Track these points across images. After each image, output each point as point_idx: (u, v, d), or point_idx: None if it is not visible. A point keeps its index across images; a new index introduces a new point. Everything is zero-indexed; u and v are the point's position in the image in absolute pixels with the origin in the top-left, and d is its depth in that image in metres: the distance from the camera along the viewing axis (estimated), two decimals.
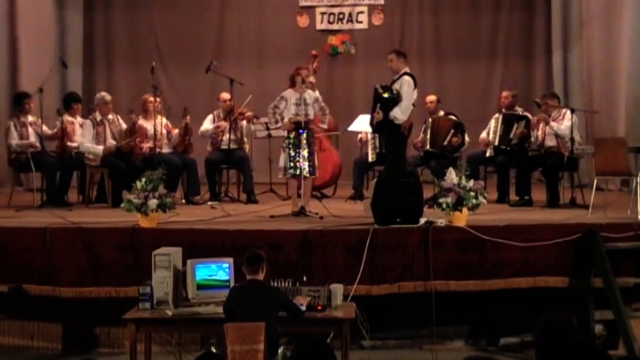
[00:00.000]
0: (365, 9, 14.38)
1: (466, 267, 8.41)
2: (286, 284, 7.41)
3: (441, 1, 14.39)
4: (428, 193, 8.88)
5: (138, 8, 14.55)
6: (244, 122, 11.39)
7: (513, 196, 10.63)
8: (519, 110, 11.27)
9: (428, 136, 11.32)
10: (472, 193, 8.45)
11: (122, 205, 8.66)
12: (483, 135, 11.37)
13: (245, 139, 11.49)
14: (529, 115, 11.03)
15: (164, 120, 11.24)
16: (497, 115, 11.32)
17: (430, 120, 11.46)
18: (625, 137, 10.97)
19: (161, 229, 8.57)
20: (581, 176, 10.94)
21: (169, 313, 7.20)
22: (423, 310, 8.21)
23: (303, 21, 14.46)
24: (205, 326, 7.35)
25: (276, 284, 7.30)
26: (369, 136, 11.12)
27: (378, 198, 8.69)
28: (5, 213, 9.89)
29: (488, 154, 11.25)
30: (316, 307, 7.16)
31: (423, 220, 8.51)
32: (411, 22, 14.48)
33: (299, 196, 9.69)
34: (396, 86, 9.18)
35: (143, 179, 8.51)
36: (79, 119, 11.26)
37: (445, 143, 11.20)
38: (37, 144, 10.84)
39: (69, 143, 10.96)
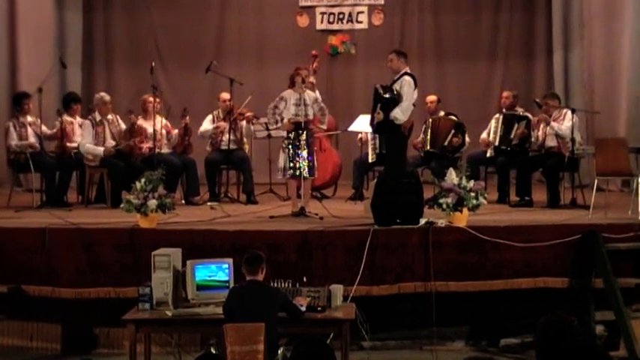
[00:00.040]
0: (365, 9, 14.35)
1: (466, 267, 8.40)
2: (286, 285, 7.39)
3: (441, 1, 14.37)
4: (428, 193, 8.88)
5: (137, 8, 14.53)
6: (244, 122, 11.37)
7: (514, 197, 10.62)
8: (520, 110, 11.26)
9: (428, 137, 11.30)
10: (472, 194, 8.44)
11: (121, 205, 8.65)
12: (484, 135, 11.35)
13: (245, 140, 11.47)
14: (529, 116, 11.01)
15: (163, 120, 11.22)
16: (497, 116, 11.31)
17: (430, 120, 11.44)
18: (626, 137, 10.97)
19: (161, 229, 8.57)
20: (581, 177, 10.92)
21: (169, 313, 7.19)
22: (423, 311, 8.21)
23: (303, 21, 14.44)
24: (205, 327, 7.34)
25: (275, 285, 7.29)
26: (369, 136, 11.10)
27: (378, 198, 8.68)
28: (4, 213, 9.87)
29: (488, 155, 11.24)
30: (316, 307, 7.14)
31: (423, 221, 8.51)
32: (411, 22, 14.46)
33: (299, 196, 9.68)
34: (396, 86, 9.17)
35: (142, 180, 8.50)
36: (78, 119, 11.25)
37: (445, 144, 11.18)
38: (37, 144, 10.83)
39: (68, 144, 10.95)
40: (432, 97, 11.83)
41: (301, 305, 7.03)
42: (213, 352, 7.26)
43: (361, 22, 14.36)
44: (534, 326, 4.74)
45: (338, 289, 7.44)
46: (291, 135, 9.63)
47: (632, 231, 8.52)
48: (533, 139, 10.77)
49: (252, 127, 11.46)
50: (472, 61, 14.27)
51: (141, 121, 11.02)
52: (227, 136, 11.15)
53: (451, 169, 8.63)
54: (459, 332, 8.66)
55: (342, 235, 8.45)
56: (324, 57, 13.55)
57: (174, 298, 7.33)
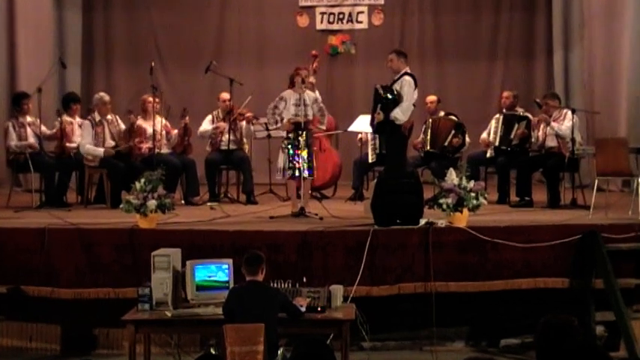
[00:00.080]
0: (365, 9, 14.34)
1: (466, 268, 8.39)
2: (286, 285, 7.38)
3: (441, 1, 14.35)
4: (428, 193, 8.87)
5: (137, 8, 14.51)
6: (244, 123, 11.35)
7: (514, 197, 10.61)
8: (520, 111, 11.25)
9: (428, 137, 11.28)
10: (472, 194, 8.43)
11: (121, 205, 8.64)
12: (484, 135, 11.34)
13: (244, 140, 11.46)
14: (530, 116, 11.00)
15: (163, 120, 11.21)
16: (497, 116, 11.30)
17: (430, 120, 11.43)
18: (626, 138, 10.96)
19: (160, 229, 8.55)
20: (582, 177, 10.91)
21: (168, 314, 7.18)
22: (423, 311, 8.19)
23: (303, 21, 14.43)
24: (205, 327, 7.33)
25: (275, 285, 7.28)
26: (369, 136, 11.09)
27: (378, 199, 8.67)
28: (4, 214, 9.86)
29: (488, 155, 11.23)
30: (316, 308, 7.13)
31: (423, 221, 8.50)
32: (411, 22, 14.44)
33: (298, 196, 9.67)
34: (396, 86, 9.17)
35: (142, 180, 8.49)
36: (77, 120, 11.23)
37: (446, 144, 11.17)
38: (36, 145, 10.82)
39: (68, 144, 10.94)
40: (432, 98, 11.82)
41: (301, 306, 7.02)
42: (213, 352, 7.25)
43: (361, 22, 14.35)
44: (534, 327, 4.74)
45: (338, 290, 7.43)
46: (291, 135, 9.62)
47: (633, 231, 8.51)
48: (533, 140, 10.76)
49: (252, 128, 11.44)
50: (472, 61, 14.26)
51: (140, 122, 11.01)
52: (227, 136, 11.14)
53: (451, 170, 8.62)
54: (459, 333, 8.65)
55: (342, 236, 8.44)
56: (324, 57, 13.54)
57: (173, 298, 7.32)
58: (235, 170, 11.54)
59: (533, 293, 8.41)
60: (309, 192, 10.29)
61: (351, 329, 7.18)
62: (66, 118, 11.05)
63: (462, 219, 8.47)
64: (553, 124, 10.42)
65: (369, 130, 10.13)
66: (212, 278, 7.43)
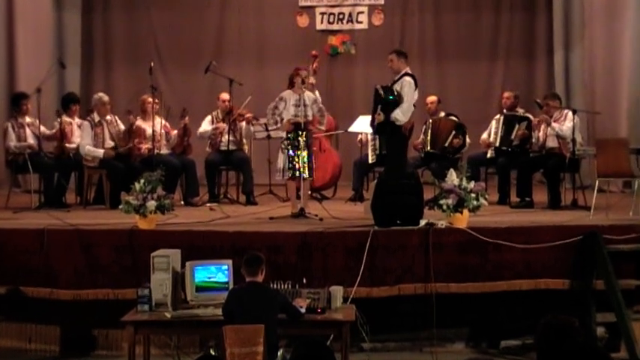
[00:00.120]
0: (365, 9, 14.34)
1: (467, 269, 8.37)
2: (286, 286, 7.37)
3: (441, 1, 14.35)
4: (428, 194, 8.85)
5: (136, 8, 14.50)
6: (243, 123, 11.33)
7: (514, 198, 10.59)
8: (521, 111, 11.24)
9: (428, 137, 11.26)
10: (473, 195, 8.42)
11: (120, 206, 8.61)
12: (484, 136, 11.33)
13: (244, 141, 11.44)
14: (530, 117, 10.99)
15: (162, 121, 11.19)
16: (498, 116, 11.28)
17: (431, 121, 11.41)
18: (627, 138, 10.93)
19: (160, 230, 8.53)
20: (582, 177, 10.89)
21: (168, 315, 7.17)
22: (424, 313, 8.18)
23: (303, 21, 14.42)
24: (204, 329, 7.32)
25: (275, 286, 7.27)
26: (369, 137, 11.07)
27: (378, 199, 8.65)
28: (3, 214, 9.84)
29: (489, 156, 11.21)
30: (316, 309, 7.12)
31: (423, 222, 8.48)
32: (411, 22, 14.44)
33: (298, 197, 9.64)
34: (396, 87, 9.16)
35: (142, 180, 8.47)
36: (77, 120, 11.20)
37: (446, 144, 11.14)
38: (35, 145, 10.79)
39: (67, 144, 10.91)
40: (432, 98, 11.80)
41: (301, 307, 7.01)
42: (213, 353, 7.25)
43: (361, 22, 14.34)
44: (535, 328, 4.74)
45: (338, 291, 7.42)
46: (291, 136, 9.60)
47: (634, 232, 8.49)
48: (534, 140, 10.75)
49: (251, 128, 11.42)
50: (473, 62, 14.25)
51: (140, 122, 10.99)
52: (226, 136, 11.12)
53: (451, 170, 8.60)
54: (459, 334, 8.63)
55: (341, 237, 8.42)
56: (324, 57, 13.53)
57: (173, 299, 7.31)
58: (235, 171, 11.52)
59: (533, 294, 8.40)
60: (309, 192, 10.26)
61: (351, 330, 7.17)
62: (65, 118, 11.02)
63: (463, 220, 8.45)
64: (554, 124, 10.41)
65: (369, 130, 10.12)
66: (212, 279, 7.43)
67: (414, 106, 9.25)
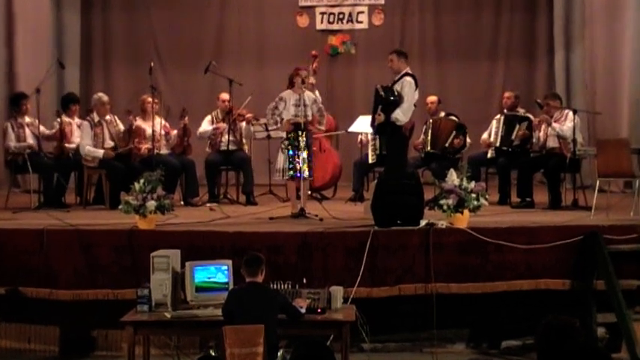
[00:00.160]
0: (365, 9, 14.32)
1: (467, 269, 8.36)
2: (286, 286, 7.36)
3: (441, 1, 14.34)
4: (429, 194, 8.84)
5: (136, 8, 14.49)
6: (243, 124, 11.32)
7: (515, 198, 10.58)
8: (521, 111, 11.23)
9: (429, 138, 11.24)
10: (473, 195, 8.40)
11: (120, 206, 8.60)
12: (484, 136, 11.31)
13: (244, 141, 11.42)
14: (531, 117, 10.97)
15: (162, 121, 11.17)
16: (498, 116, 11.27)
17: (431, 121, 11.39)
18: (628, 138, 10.92)
19: (159, 230, 8.52)
20: (583, 178, 10.88)
21: (168, 315, 7.15)
22: (424, 313, 8.16)
23: (303, 21, 14.41)
24: (204, 329, 7.31)
25: (275, 287, 7.25)
26: (370, 137, 11.05)
27: (379, 200, 8.64)
28: (2, 215, 9.82)
29: (489, 156, 11.19)
30: (316, 309, 7.11)
31: (423, 222, 8.47)
32: (411, 22, 14.42)
33: (298, 197, 9.63)
34: (397, 87, 9.16)
35: (141, 181, 8.46)
36: (76, 120, 11.19)
37: (447, 145, 11.13)
38: (35, 145, 10.78)
39: (67, 144, 10.90)
40: (432, 98, 11.79)
41: (301, 307, 7.00)
42: (213, 354, 7.26)
43: (361, 22, 14.33)
44: (535, 328, 4.72)
45: (338, 291, 7.40)
46: (291, 136, 9.58)
47: (635, 232, 8.48)
48: (534, 140, 10.74)
49: (251, 128, 11.40)
50: (473, 62, 14.24)
51: (139, 122, 10.98)
52: (226, 136, 11.11)
53: (452, 170, 8.59)
54: (460, 334, 8.62)
55: (342, 237, 8.41)
56: (324, 57, 13.53)
57: (173, 299, 7.29)
58: (235, 171, 11.51)
59: (534, 295, 8.38)
60: (308, 192, 10.25)
61: (351, 331, 7.15)
62: (65, 118, 11.01)
63: (463, 220, 8.44)
64: (554, 124, 10.39)
65: (370, 130, 10.11)
66: (211, 279, 7.41)
67: (415, 106, 9.24)
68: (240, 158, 11.22)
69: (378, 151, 10.65)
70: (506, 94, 11.48)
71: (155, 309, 7.23)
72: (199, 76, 12.22)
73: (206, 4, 14.49)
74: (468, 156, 11.24)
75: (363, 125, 11.38)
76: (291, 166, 9.55)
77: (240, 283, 7.04)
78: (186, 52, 14.27)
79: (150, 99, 10.93)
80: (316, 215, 9.37)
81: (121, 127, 10.93)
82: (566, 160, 10.11)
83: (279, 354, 6.76)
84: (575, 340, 4.54)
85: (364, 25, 14.34)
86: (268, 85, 12.88)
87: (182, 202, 10.84)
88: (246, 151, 11.46)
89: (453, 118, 11.47)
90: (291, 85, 9.86)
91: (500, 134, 11.01)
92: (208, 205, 10.72)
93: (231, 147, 11.17)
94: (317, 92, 10.57)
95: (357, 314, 7.42)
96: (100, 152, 10.57)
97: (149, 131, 10.76)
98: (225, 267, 7.43)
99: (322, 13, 14.37)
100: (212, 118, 11.41)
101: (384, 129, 9.17)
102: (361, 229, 8.46)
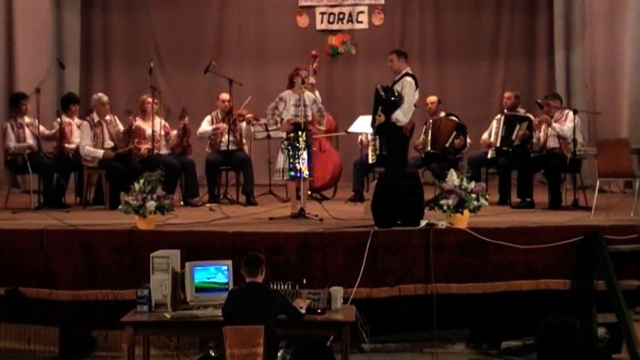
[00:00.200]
0: (365, 9, 14.31)
1: (467, 269, 8.35)
2: (286, 287, 7.34)
3: (442, 1, 14.32)
4: (429, 194, 8.84)
5: (136, 8, 14.48)
6: (244, 124, 11.31)
7: (515, 198, 10.57)
8: (521, 111, 11.22)
9: (429, 138, 11.24)
10: (473, 195, 8.40)
11: (120, 207, 8.59)
12: (485, 136, 11.30)
13: (244, 141, 11.42)
14: (531, 117, 10.97)
15: (162, 121, 11.16)
16: (499, 116, 11.26)
17: (431, 121, 11.39)
18: (628, 138, 10.93)
19: (159, 231, 8.51)
20: (583, 178, 10.87)
21: (167, 316, 7.14)
22: (424, 313, 8.16)
23: (303, 21, 14.40)
24: (204, 329, 7.30)
25: (275, 287, 7.24)
26: (370, 137, 11.04)
27: (379, 200, 8.63)
28: (2, 215, 9.81)
29: (489, 156, 11.18)
30: (316, 309, 7.10)
31: (423, 222, 8.46)
32: (411, 21, 14.41)
33: (298, 198, 9.62)
34: (397, 87, 9.15)
35: (141, 181, 8.45)
36: (76, 120, 11.18)
37: (447, 145, 11.12)
38: (35, 146, 10.77)
39: (66, 145, 10.89)
40: (432, 98, 11.78)
41: (301, 307, 6.98)
42: (213, 354, 7.24)
43: (361, 22, 14.32)
44: (536, 328, 4.72)
45: (338, 291, 7.39)
46: (291, 136, 9.57)
47: (635, 233, 8.48)
48: (534, 140, 10.73)
49: (251, 128, 11.40)
50: (473, 62, 14.23)
51: (139, 122, 10.97)
52: (226, 137, 11.10)
53: (452, 171, 8.58)
54: (460, 335, 8.61)
55: (342, 237, 8.40)
56: (324, 57, 13.52)
57: (172, 300, 7.28)
58: (235, 171, 11.50)
59: (534, 295, 8.38)
60: (308, 192, 10.24)
61: (351, 331, 7.15)
62: (65, 118, 11.00)
63: (463, 220, 8.43)
64: (554, 124, 10.38)
65: (370, 130, 10.10)
66: (211, 280, 7.40)
67: (415, 106, 9.24)
68: (240, 158, 11.21)
69: (378, 152, 10.64)
70: (507, 94, 11.47)
71: (155, 309, 7.22)
72: (199, 76, 12.21)
73: (206, 4, 14.48)
74: (468, 156, 11.24)
75: (363, 125, 11.37)
76: (291, 166, 9.54)
77: (240, 283, 7.03)
78: (186, 52, 14.25)
79: (150, 99, 10.92)
80: (316, 215, 9.36)
81: (121, 127, 10.92)
82: (567, 160, 10.11)
83: (279, 354, 6.76)
84: (576, 341, 4.54)
85: (364, 25, 14.33)
86: (268, 85, 12.88)
87: (182, 203, 10.83)
88: (246, 151, 11.45)
89: (453, 118, 11.46)
90: (291, 85, 9.85)
91: (500, 134, 11.00)
92: (208, 205, 10.71)
93: (231, 147, 11.16)
94: (317, 92, 10.57)
95: (357, 315, 7.42)
96: (100, 152, 10.57)
97: (149, 131, 10.76)
98: (225, 267, 7.42)
99: (322, 13, 14.36)
100: (212, 118, 11.40)
101: (385, 129, 9.17)
102: (361, 230, 8.45)
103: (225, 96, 11.34)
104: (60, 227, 8.74)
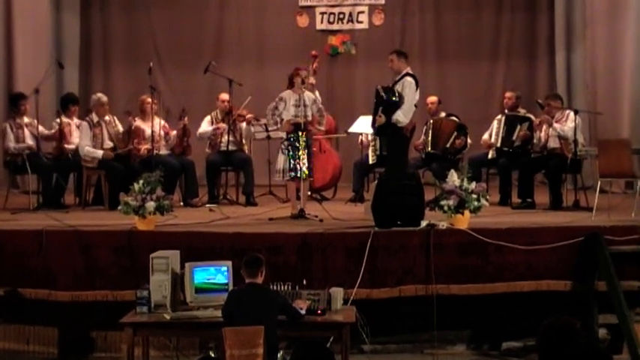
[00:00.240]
0: (365, 9, 14.28)
1: (468, 270, 8.34)
2: (286, 288, 7.33)
3: (442, 1, 14.29)
4: (429, 195, 8.82)
5: (135, 8, 14.45)
6: (243, 124, 11.30)
7: (515, 199, 10.55)
8: (522, 111, 11.20)
9: (429, 138, 11.22)
10: (474, 196, 8.39)
11: (119, 207, 8.57)
12: (485, 137, 11.28)
13: (244, 141, 11.40)
14: (532, 117, 10.95)
15: (162, 121, 11.15)
16: (499, 117, 11.24)
17: (431, 121, 11.37)
18: (629, 139, 10.93)
19: (159, 231, 8.50)
20: (584, 178, 10.84)
21: (167, 316, 7.12)
22: (424, 314, 8.14)
23: (303, 21, 14.37)
24: (204, 330, 7.29)
25: (275, 288, 7.23)
26: (370, 137, 11.03)
27: (379, 200, 8.62)
28: (1, 215, 9.82)
29: (490, 156, 11.16)
30: (316, 310, 7.08)
31: (424, 223, 8.45)
32: (412, 21, 14.39)
33: (298, 198, 9.60)
34: (397, 87, 9.14)
35: (141, 181, 8.44)
36: (75, 120, 11.17)
37: (448, 145, 11.10)
38: (34, 146, 10.76)
39: (66, 145, 10.88)
40: (432, 98, 11.76)
41: (301, 308, 6.97)
42: (212, 355, 7.24)
43: (361, 22, 14.29)
44: (537, 329, 4.72)
45: (338, 292, 7.38)
46: (291, 136, 9.55)
47: (636, 233, 8.47)
48: (535, 141, 10.71)
49: (251, 129, 11.38)
50: (473, 62, 14.20)
51: (139, 122, 10.96)
52: (226, 137, 11.08)
53: (452, 171, 8.57)
54: (461, 336, 8.60)
55: (342, 238, 8.39)
56: (324, 57, 13.50)
57: (172, 301, 7.27)
58: (236, 171, 11.48)
59: (535, 296, 8.36)
60: (308, 193, 10.23)
61: (351, 332, 7.14)
62: (64, 119, 10.99)
63: (464, 221, 8.42)
64: (555, 125, 10.37)
65: (370, 130, 10.08)
66: (211, 281, 7.38)
67: (415, 106, 9.22)
68: (240, 159, 11.19)
69: (378, 152, 10.64)
70: (508, 94, 11.44)
71: (154, 310, 7.20)
72: (199, 76, 12.19)
73: (206, 4, 14.46)
74: (468, 157, 11.22)
75: (363, 126, 11.35)
76: (291, 166, 9.52)
77: (239, 284, 7.01)
78: (185, 52, 14.23)
79: (149, 99, 10.90)
80: (316, 216, 9.34)
81: (120, 127, 10.91)
82: (567, 160, 10.09)
83: (279, 355, 6.76)
84: (577, 342, 4.55)
85: (364, 25, 14.31)
86: (268, 85, 12.86)
87: (181, 203, 10.82)
88: (246, 151, 11.43)
89: (454, 118, 11.45)
90: (291, 85, 9.83)
91: (501, 135, 10.98)
92: (208, 205, 10.70)
93: (231, 147, 11.14)
94: (317, 92, 10.55)
95: (357, 315, 7.41)
96: (100, 153, 10.55)
97: (148, 132, 10.74)
98: (225, 268, 7.40)
99: (322, 13, 14.34)
100: (212, 118, 11.38)
101: (385, 130, 9.15)
102: (361, 230, 8.44)
103: (225, 96, 11.32)
104: (59, 228, 8.74)
